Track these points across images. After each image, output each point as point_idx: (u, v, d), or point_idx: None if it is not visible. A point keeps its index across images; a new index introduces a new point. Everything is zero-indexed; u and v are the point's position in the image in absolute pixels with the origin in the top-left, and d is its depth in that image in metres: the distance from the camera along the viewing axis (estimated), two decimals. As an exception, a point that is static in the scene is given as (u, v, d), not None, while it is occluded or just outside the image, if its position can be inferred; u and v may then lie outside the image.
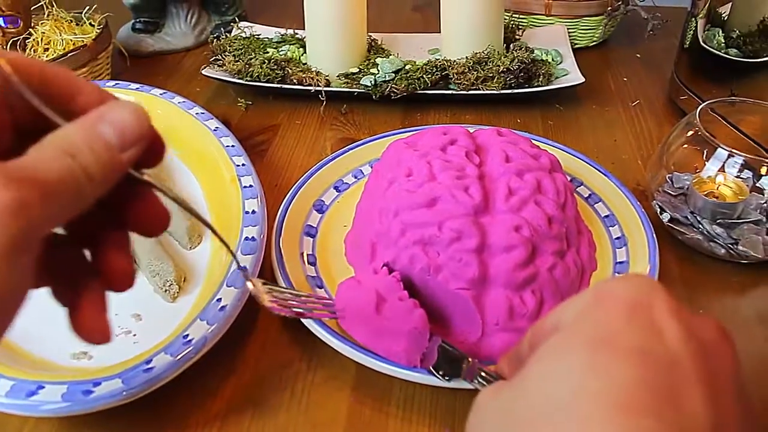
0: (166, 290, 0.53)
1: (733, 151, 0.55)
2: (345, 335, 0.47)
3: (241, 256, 0.51)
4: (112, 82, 0.75)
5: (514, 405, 0.28)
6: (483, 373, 0.41)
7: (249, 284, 0.42)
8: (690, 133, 0.59)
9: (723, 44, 0.74)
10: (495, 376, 0.40)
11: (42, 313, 0.35)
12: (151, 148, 0.31)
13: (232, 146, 0.64)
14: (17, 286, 0.26)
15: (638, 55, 0.94)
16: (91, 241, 0.33)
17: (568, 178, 0.57)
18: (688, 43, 0.78)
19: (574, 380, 0.26)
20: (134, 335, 0.50)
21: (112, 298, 0.33)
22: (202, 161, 0.65)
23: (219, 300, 0.48)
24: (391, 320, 0.45)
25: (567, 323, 0.30)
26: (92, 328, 0.32)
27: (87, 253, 0.33)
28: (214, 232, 0.37)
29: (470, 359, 0.43)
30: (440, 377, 0.43)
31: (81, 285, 0.32)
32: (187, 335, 0.45)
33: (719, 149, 0.56)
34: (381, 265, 0.50)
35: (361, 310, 0.45)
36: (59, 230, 0.32)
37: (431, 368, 0.44)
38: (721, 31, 0.74)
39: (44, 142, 0.27)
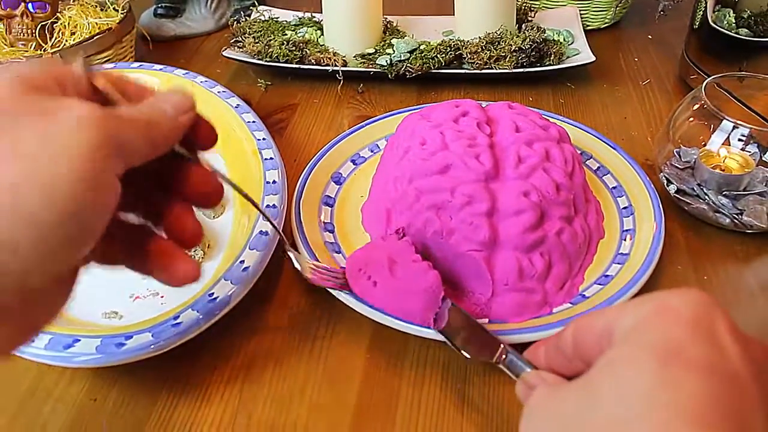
0: (191, 255, 0.55)
1: (738, 122, 0.57)
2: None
3: (263, 222, 0.53)
4: (137, 64, 0.78)
5: (581, 412, 0.29)
6: (511, 356, 0.41)
7: (292, 255, 0.47)
8: (696, 106, 0.61)
9: (733, 24, 0.75)
10: (526, 362, 0.39)
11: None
12: (203, 131, 0.37)
13: (253, 122, 0.66)
14: (104, 188, 0.28)
15: (649, 36, 0.96)
16: (160, 215, 0.37)
17: (578, 152, 0.59)
18: (698, 23, 0.79)
19: (645, 391, 0.27)
20: (162, 297, 0.53)
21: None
22: (224, 136, 0.66)
23: (242, 262, 0.50)
24: (405, 281, 0.47)
25: (627, 332, 0.30)
26: (182, 269, 0.36)
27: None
28: (261, 212, 0.46)
29: (500, 344, 0.43)
30: (456, 348, 0.45)
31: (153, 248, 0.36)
32: (212, 293, 0.48)
33: (725, 121, 0.58)
34: (392, 231, 0.52)
35: (375, 273, 0.47)
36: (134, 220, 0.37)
37: (453, 344, 0.45)
38: (732, 11, 0.76)
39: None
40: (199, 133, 0.37)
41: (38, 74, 0.30)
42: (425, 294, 0.46)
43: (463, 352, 0.44)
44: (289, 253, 0.47)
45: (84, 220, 0.28)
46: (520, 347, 0.48)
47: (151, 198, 0.37)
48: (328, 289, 0.50)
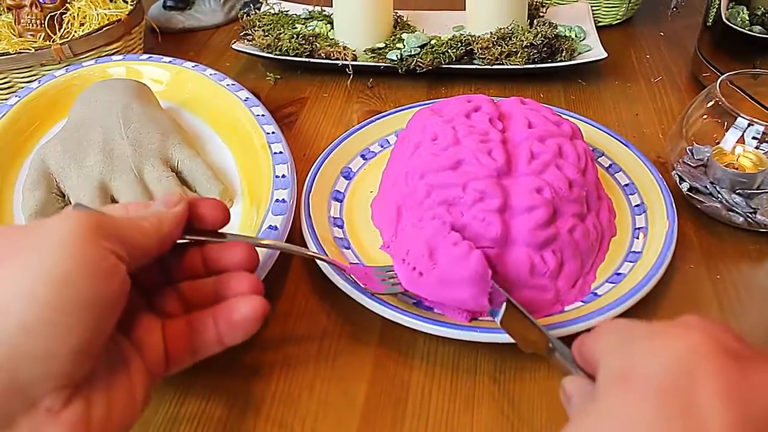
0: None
1: (753, 119, 0.57)
2: (370, 291, 0.48)
3: (272, 217, 0.53)
4: (146, 56, 0.78)
5: None
6: (557, 353, 0.39)
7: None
8: (710, 104, 0.60)
9: (747, 21, 0.75)
10: (569, 359, 0.37)
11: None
12: (211, 214, 0.40)
13: (262, 115, 0.66)
14: (103, 271, 0.31)
15: (661, 34, 0.95)
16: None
17: (590, 149, 0.58)
18: (711, 20, 0.79)
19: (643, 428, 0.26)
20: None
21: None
22: (233, 130, 0.67)
23: (252, 256, 0.50)
24: (448, 268, 0.45)
25: (598, 392, 0.29)
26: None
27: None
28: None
29: (547, 336, 0.41)
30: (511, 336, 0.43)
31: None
32: (222, 288, 0.47)
33: (739, 118, 0.57)
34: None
35: (418, 263, 0.46)
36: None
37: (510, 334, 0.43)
38: (745, 9, 0.75)
39: None
40: (206, 216, 0.40)
41: None
42: (471, 279, 0.44)
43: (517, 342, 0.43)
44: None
45: (86, 292, 0.29)
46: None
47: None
48: (339, 285, 0.49)
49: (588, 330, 0.46)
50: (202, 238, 0.40)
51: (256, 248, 0.42)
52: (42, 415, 0.29)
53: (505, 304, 0.43)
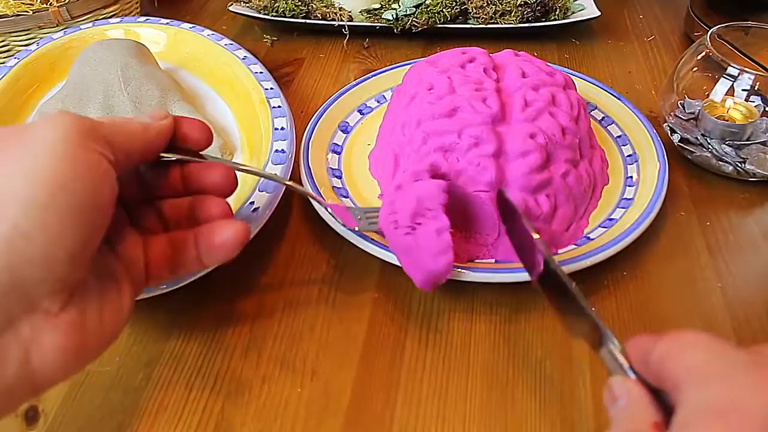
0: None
1: (744, 68, 0.58)
2: (372, 237, 0.50)
3: (272, 166, 0.54)
4: (143, 18, 0.78)
5: None
6: (606, 349, 0.34)
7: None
8: (700, 56, 0.61)
9: (739, -20, 0.76)
10: (621, 355, 0.33)
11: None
12: (195, 135, 0.41)
13: (261, 73, 0.67)
14: (91, 165, 0.31)
15: (655, -6, 0.96)
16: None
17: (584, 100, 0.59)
18: (704, -21, 0.80)
19: None
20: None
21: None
22: (231, 87, 0.68)
23: (252, 203, 0.51)
24: (420, 247, 0.45)
25: (738, 396, 0.26)
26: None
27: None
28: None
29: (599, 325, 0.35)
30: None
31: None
32: (224, 233, 0.49)
33: (729, 68, 0.58)
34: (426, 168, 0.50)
35: (401, 220, 0.46)
36: None
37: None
38: (737, -32, 0.76)
39: None
40: (190, 136, 0.40)
41: None
42: (433, 273, 0.44)
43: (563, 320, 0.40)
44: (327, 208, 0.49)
45: (79, 195, 0.30)
46: (526, 285, 0.49)
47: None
48: (339, 231, 0.51)
49: (588, 267, 0.48)
50: (184, 157, 0.40)
51: (236, 173, 0.43)
52: (41, 316, 0.30)
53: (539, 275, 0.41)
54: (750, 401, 0.26)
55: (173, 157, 0.40)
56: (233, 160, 0.42)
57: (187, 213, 0.41)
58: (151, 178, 0.41)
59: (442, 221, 0.45)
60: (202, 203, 0.41)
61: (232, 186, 0.42)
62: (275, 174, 0.46)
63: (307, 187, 0.54)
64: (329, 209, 0.48)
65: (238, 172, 0.43)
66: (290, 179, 0.55)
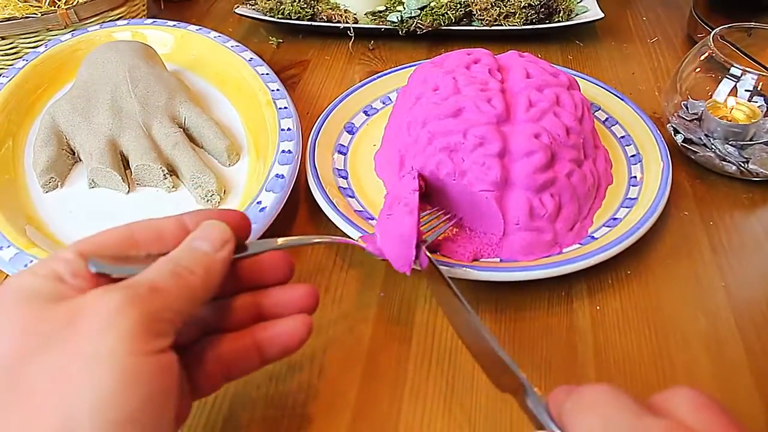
0: (207, 200, 0.57)
1: (746, 69, 0.58)
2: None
3: (279, 166, 0.55)
4: (150, 21, 0.79)
5: None
6: (530, 400, 0.34)
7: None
8: (703, 57, 0.62)
9: (743, -18, 0.76)
10: (545, 409, 0.32)
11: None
12: (238, 229, 0.36)
13: (267, 74, 0.67)
14: (155, 372, 0.27)
15: (658, -4, 0.96)
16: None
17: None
18: (707, -20, 0.80)
19: None
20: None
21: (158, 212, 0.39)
22: (238, 89, 0.69)
23: (260, 202, 0.51)
24: (394, 221, 0.46)
25: None
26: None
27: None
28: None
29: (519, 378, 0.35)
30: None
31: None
32: (231, 232, 0.49)
33: (732, 68, 0.59)
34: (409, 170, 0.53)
35: (387, 208, 0.49)
36: None
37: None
38: (741, -31, 0.76)
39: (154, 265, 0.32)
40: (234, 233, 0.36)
41: (40, 279, 0.29)
42: (399, 239, 0.45)
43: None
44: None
45: (150, 416, 0.27)
46: (531, 284, 0.49)
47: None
48: (345, 231, 0.51)
49: (592, 266, 0.48)
50: (236, 256, 0.35)
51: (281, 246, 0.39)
52: None
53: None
54: None
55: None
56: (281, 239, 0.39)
57: (254, 311, 0.37)
58: None
59: (412, 204, 0.47)
60: (276, 297, 0.37)
61: (290, 269, 0.38)
62: (326, 236, 0.44)
63: (314, 188, 0.55)
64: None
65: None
66: (296, 179, 0.55)
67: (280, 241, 0.38)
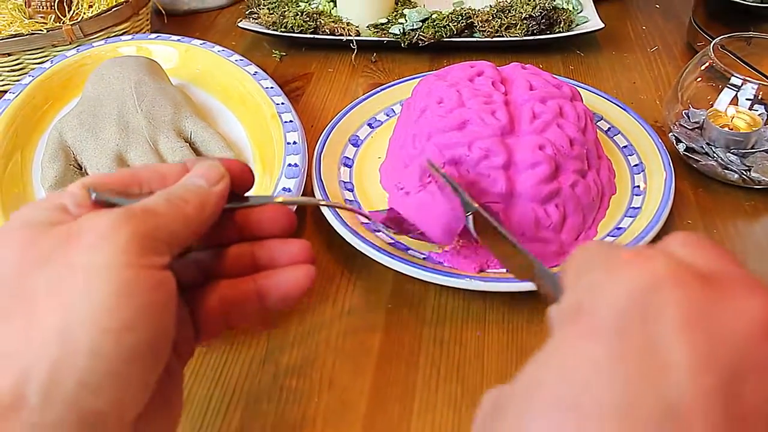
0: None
1: (747, 78, 0.59)
2: (383, 247, 0.51)
3: (285, 180, 0.55)
4: (154, 35, 0.80)
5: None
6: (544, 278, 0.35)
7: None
8: (704, 66, 0.62)
9: (741, -9, 0.77)
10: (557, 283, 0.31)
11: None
12: (240, 180, 0.37)
13: (271, 88, 0.68)
14: (152, 287, 0.28)
15: (657, 6, 0.97)
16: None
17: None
18: (706, -10, 0.81)
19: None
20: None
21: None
22: (243, 103, 0.69)
23: (268, 215, 0.52)
24: (432, 196, 0.49)
25: (589, 296, 0.24)
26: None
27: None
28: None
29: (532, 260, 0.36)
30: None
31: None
32: (240, 245, 0.50)
33: (733, 78, 0.59)
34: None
35: (408, 184, 0.51)
36: None
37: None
38: (739, -21, 0.77)
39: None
40: (237, 183, 0.37)
41: (43, 210, 0.30)
42: (446, 216, 0.46)
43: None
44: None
45: (146, 330, 0.27)
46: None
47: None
48: (352, 242, 0.52)
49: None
50: (236, 205, 0.37)
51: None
52: None
53: (472, 216, 0.43)
54: (599, 301, 0.24)
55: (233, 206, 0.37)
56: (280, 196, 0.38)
57: (251, 261, 0.37)
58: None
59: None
60: (273, 249, 0.37)
61: (294, 225, 0.38)
62: (319, 199, 0.45)
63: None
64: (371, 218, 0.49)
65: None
66: (302, 193, 0.56)
67: (280, 198, 0.39)
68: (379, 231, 0.54)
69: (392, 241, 0.53)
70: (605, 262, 0.25)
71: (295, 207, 0.52)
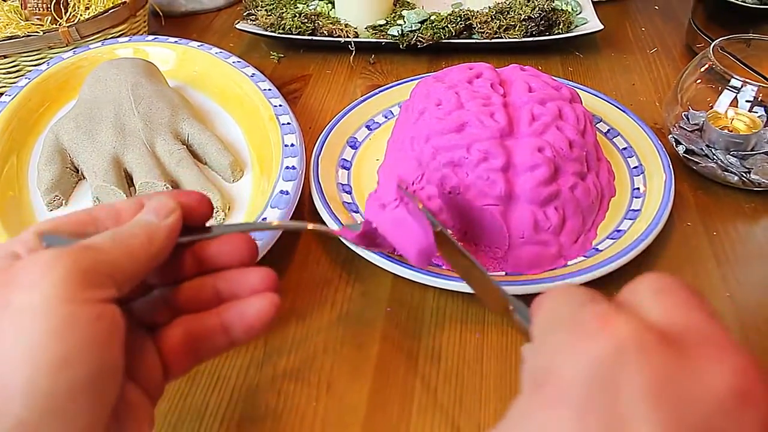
0: (212, 217, 0.57)
1: (746, 80, 0.58)
2: (381, 251, 0.50)
3: (283, 182, 0.55)
4: (151, 37, 0.79)
5: None
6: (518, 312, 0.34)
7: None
8: (703, 68, 0.62)
9: (740, -8, 0.77)
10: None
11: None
12: (198, 211, 0.36)
13: (269, 90, 0.68)
14: (91, 323, 0.27)
15: (656, 7, 0.97)
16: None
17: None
18: (705, -9, 0.81)
19: None
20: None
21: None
22: (240, 105, 0.69)
23: (265, 219, 0.52)
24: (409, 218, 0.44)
25: (554, 362, 0.24)
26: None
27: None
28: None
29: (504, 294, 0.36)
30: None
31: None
32: (237, 249, 0.49)
33: (732, 80, 0.59)
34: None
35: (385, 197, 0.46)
36: None
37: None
38: (738, -20, 0.77)
39: None
40: (194, 215, 0.36)
41: None
42: (419, 241, 0.42)
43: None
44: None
45: (86, 365, 0.26)
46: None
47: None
48: (350, 246, 0.51)
49: (597, 278, 0.48)
50: (193, 238, 0.36)
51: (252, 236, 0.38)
52: None
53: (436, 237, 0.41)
54: (565, 370, 0.23)
55: (182, 240, 0.35)
56: (239, 222, 0.37)
57: (213, 294, 0.36)
58: (156, 268, 0.35)
59: (429, 190, 0.46)
60: (234, 281, 0.36)
61: (255, 254, 0.37)
62: (291, 222, 0.45)
63: (318, 203, 0.55)
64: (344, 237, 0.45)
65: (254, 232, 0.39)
66: (300, 195, 0.55)
67: (241, 225, 0.38)
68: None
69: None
70: (571, 324, 0.25)
71: (272, 195, 0.51)
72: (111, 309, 0.28)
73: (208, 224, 0.37)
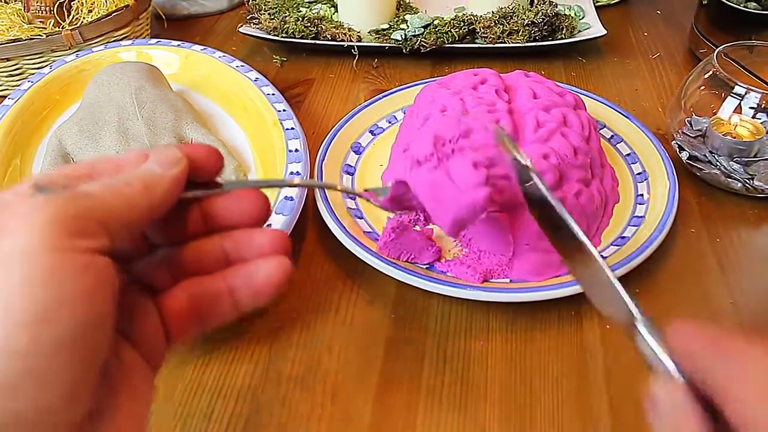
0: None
1: (750, 87, 0.58)
2: (387, 258, 0.50)
3: (288, 189, 0.55)
4: (154, 40, 0.79)
5: None
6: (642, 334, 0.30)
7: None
8: (707, 75, 0.62)
9: (742, -2, 0.77)
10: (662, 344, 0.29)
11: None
12: (207, 165, 0.33)
13: (273, 94, 0.68)
14: (77, 273, 0.25)
15: (658, 12, 0.97)
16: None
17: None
18: (707, -3, 0.81)
19: None
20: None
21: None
22: (244, 109, 0.69)
23: (269, 225, 0.51)
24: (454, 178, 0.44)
25: None
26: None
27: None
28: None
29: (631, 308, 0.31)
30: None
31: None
32: (242, 255, 0.49)
33: (736, 87, 0.59)
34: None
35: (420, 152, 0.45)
36: None
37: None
38: (741, -14, 0.77)
39: None
40: (200, 165, 0.32)
41: None
42: (467, 207, 0.42)
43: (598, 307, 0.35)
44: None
45: (70, 322, 0.24)
46: (541, 304, 0.50)
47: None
48: (355, 252, 0.51)
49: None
50: (200, 192, 0.33)
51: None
52: None
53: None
54: None
55: (188, 194, 0.32)
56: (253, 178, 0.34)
57: (222, 255, 0.34)
58: (159, 225, 0.33)
59: (479, 155, 0.43)
60: (244, 241, 0.33)
61: (268, 211, 0.34)
62: (306, 180, 0.40)
63: (322, 209, 0.55)
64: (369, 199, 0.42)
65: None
66: (304, 201, 0.55)
67: (256, 181, 0.34)
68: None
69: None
70: None
71: (276, 201, 0.51)
72: (101, 260, 0.26)
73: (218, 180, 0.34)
